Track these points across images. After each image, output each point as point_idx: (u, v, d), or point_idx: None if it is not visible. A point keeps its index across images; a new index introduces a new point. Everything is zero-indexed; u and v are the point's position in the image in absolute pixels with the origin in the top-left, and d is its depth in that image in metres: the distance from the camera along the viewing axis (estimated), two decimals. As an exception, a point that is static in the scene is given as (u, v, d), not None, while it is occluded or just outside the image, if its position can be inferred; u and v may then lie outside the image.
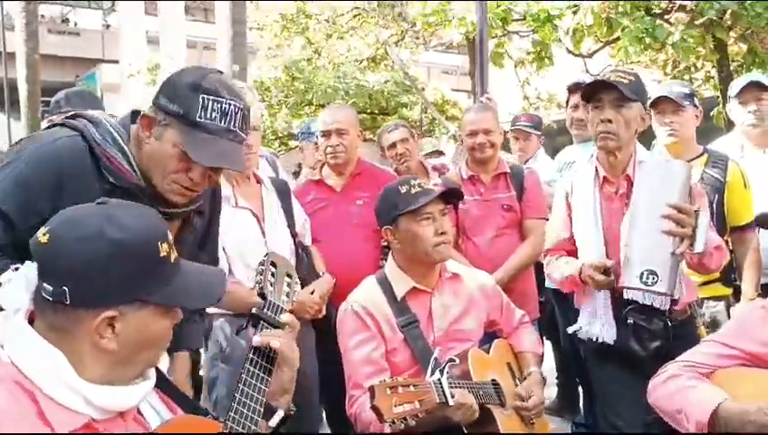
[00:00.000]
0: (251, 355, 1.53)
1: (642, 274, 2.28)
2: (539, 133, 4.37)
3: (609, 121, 2.44)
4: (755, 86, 3.22)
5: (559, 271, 2.59)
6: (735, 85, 3.33)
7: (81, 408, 1.18)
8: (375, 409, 1.84)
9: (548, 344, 4.29)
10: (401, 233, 2.34)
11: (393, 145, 3.95)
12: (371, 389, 1.86)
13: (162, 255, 1.24)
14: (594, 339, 2.52)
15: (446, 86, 14.45)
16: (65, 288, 1.17)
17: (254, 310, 1.59)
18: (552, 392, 4.39)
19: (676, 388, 1.78)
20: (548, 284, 3.76)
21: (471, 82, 10.68)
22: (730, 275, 2.97)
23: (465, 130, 3.32)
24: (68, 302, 1.17)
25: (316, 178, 3.29)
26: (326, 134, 3.17)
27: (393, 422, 1.84)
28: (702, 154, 3.00)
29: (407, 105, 13.49)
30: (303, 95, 12.36)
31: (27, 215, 1.57)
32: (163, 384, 1.45)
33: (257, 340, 1.53)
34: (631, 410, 2.42)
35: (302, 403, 2.70)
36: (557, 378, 4.39)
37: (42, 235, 1.21)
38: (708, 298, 2.88)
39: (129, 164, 1.65)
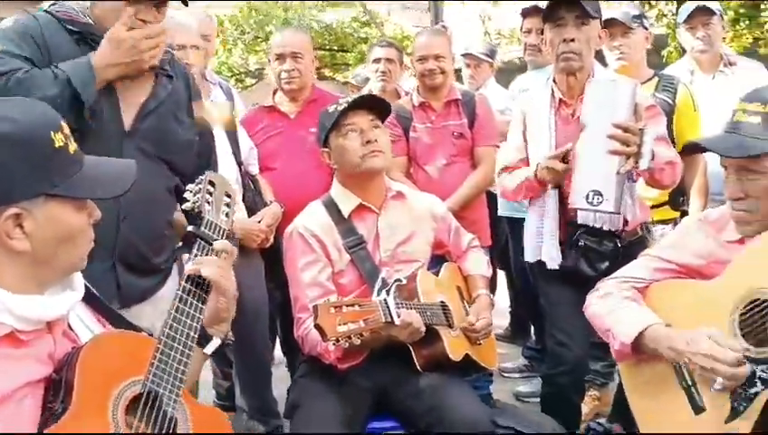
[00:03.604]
0: (183, 283, 1.47)
1: (588, 194, 2.31)
2: (491, 62, 4.31)
3: (573, 41, 2.43)
4: (703, 11, 3.22)
5: (512, 180, 2.60)
6: (683, 11, 3.34)
7: (1, 317, 1.14)
8: (318, 327, 1.83)
9: (501, 274, 4.35)
10: (334, 152, 2.31)
11: (378, 60, 3.87)
12: (315, 308, 1.84)
13: (58, 145, 1.19)
14: (543, 262, 2.55)
15: (406, 23, 14.13)
16: None
17: (190, 228, 1.52)
18: (505, 321, 4.48)
19: (609, 307, 1.81)
20: (501, 212, 3.79)
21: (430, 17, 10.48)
22: (678, 199, 3.02)
23: (416, 55, 3.25)
24: None
25: (268, 104, 3.20)
26: (280, 57, 3.08)
27: (337, 341, 1.83)
28: (652, 78, 3.01)
29: (366, 41, 13.18)
30: (259, 31, 11.99)
31: None
32: (93, 301, 1.42)
33: (189, 269, 1.47)
34: (577, 329, 2.47)
35: (251, 332, 2.73)
36: (510, 306, 4.46)
37: None
38: (657, 221, 2.92)
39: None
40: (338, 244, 2.27)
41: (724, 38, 3.50)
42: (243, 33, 12.25)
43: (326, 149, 2.34)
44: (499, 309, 4.35)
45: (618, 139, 2.22)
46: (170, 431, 1.33)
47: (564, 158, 2.38)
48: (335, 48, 12.98)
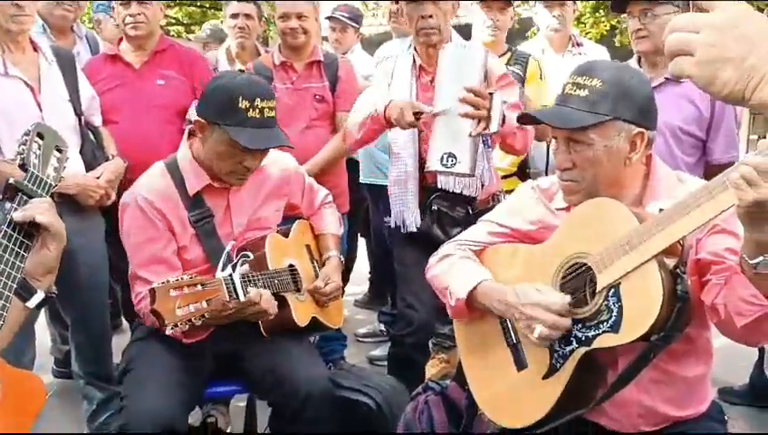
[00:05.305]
0: (5, 228, 1.41)
1: (443, 157, 2.36)
2: (357, 27, 4.29)
3: (431, 17, 2.48)
4: None
5: (357, 116, 2.59)
6: None
7: None
8: (155, 313, 1.72)
9: (362, 241, 4.40)
10: (209, 139, 2.06)
11: (235, 15, 3.68)
12: (152, 291, 1.72)
13: None
14: (400, 226, 2.62)
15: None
16: None
17: (11, 180, 1.45)
18: (364, 287, 4.54)
19: (446, 267, 1.85)
20: (363, 179, 3.80)
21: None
22: (526, 170, 3.17)
23: (278, 12, 3.15)
24: None
25: (112, 52, 2.99)
26: (125, 2, 2.88)
27: (175, 325, 1.73)
28: (506, 52, 3.12)
29: (240, -1, 12.72)
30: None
31: None
32: None
33: (18, 215, 1.41)
34: (425, 291, 2.52)
35: (87, 295, 2.57)
36: (369, 272, 4.52)
37: None
38: (506, 191, 3.04)
39: None
40: (182, 216, 2.11)
41: (584, 23, 3.71)
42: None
43: (202, 121, 2.07)
44: (359, 275, 4.43)
45: (468, 102, 2.29)
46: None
47: (417, 115, 2.40)
48: (206, 5, 12.44)
